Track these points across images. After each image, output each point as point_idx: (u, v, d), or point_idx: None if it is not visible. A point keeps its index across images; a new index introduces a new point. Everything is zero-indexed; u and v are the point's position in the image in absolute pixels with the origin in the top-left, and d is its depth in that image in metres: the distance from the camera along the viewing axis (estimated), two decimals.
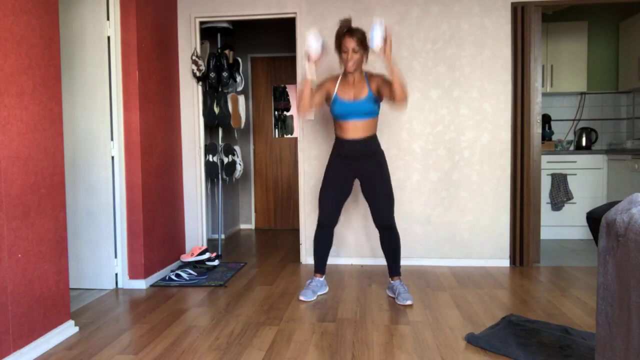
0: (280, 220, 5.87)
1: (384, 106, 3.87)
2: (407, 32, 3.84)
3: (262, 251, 4.55)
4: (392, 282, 3.10)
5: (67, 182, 3.27)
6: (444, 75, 3.83)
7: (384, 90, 2.88)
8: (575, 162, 4.81)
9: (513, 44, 3.78)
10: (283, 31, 5.67)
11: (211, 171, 4.26)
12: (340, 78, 3.02)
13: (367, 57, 2.99)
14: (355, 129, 2.98)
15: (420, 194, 3.89)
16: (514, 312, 2.77)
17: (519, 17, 3.73)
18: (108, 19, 3.22)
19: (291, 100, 5.83)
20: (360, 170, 3.04)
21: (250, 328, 2.57)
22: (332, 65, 3.90)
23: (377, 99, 2.95)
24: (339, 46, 2.94)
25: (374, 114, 2.98)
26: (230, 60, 4.26)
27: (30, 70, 2.29)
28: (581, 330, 2.44)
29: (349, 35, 2.88)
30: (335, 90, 2.98)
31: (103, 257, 3.30)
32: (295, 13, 3.91)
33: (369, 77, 2.99)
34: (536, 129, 3.79)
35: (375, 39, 2.71)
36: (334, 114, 3.01)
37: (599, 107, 5.23)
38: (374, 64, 3.87)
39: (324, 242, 3.12)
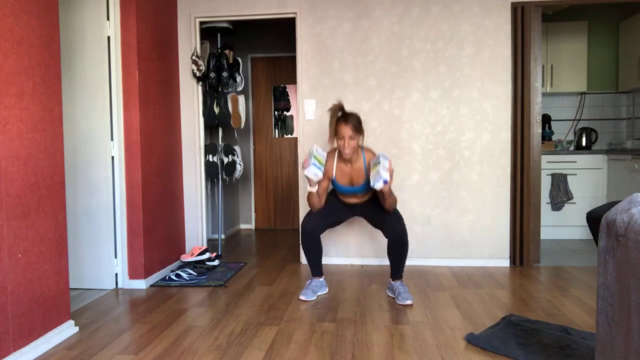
0: (280, 220, 5.87)
1: (384, 105, 3.87)
2: (407, 32, 3.84)
3: (262, 251, 4.55)
4: (392, 282, 3.10)
5: (67, 182, 3.27)
6: (444, 75, 3.83)
7: (377, 192, 2.92)
8: (575, 162, 4.81)
9: (513, 44, 3.78)
10: (283, 31, 5.67)
11: (211, 171, 4.26)
12: (337, 157, 3.02)
13: (362, 141, 2.98)
14: (354, 198, 3.10)
15: (420, 194, 3.89)
16: (514, 312, 2.77)
17: (519, 17, 3.73)
18: (108, 19, 3.22)
19: (291, 100, 5.83)
20: (360, 212, 3.16)
21: (250, 328, 2.57)
22: (332, 65, 3.90)
23: None
24: (335, 132, 2.91)
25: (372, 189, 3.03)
26: (230, 60, 4.26)
27: (30, 70, 2.29)
28: (581, 330, 2.44)
29: (344, 123, 2.86)
30: (334, 174, 3.01)
31: (103, 257, 3.30)
32: (295, 13, 3.91)
33: (367, 159, 2.98)
34: (536, 129, 3.79)
35: (378, 185, 2.73)
36: (334, 188, 3.11)
37: (599, 107, 5.23)
38: (375, 64, 3.88)
39: (312, 249, 3.10)
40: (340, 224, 3.24)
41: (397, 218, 3.01)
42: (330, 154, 3.04)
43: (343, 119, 2.89)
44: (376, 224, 3.12)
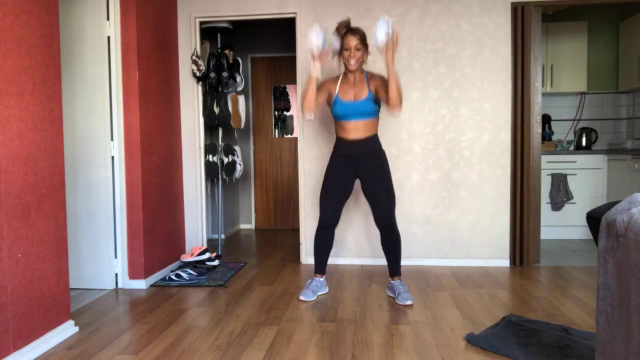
0: (280, 220, 5.87)
1: (382, 108, 3.87)
2: (407, 32, 3.84)
3: (262, 251, 4.55)
4: (392, 281, 3.10)
5: (67, 182, 3.27)
6: (444, 75, 3.83)
7: (381, 93, 2.92)
8: (575, 162, 4.81)
9: (513, 44, 3.78)
10: (283, 31, 5.67)
11: (211, 171, 4.26)
12: (340, 79, 3.05)
13: (366, 58, 3.02)
14: (356, 129, 3.00)
15: (420, 194, 3.89)
16: (514, 312, 2.77)
17: (519, 17, 3.73)
18: (108, 19, 3.22)
19: (291, 100, 5.83)
20: (360, 170, 3.05)
21: (250, 328, 2.57)
22: (332, 66, 3.90)
23: (376, 99, 2.97)
24: (340, 45, 2.97)
25: (374, 114, 3.00)
26: (230, 60, 4.26)
27: (30, 70, 2.29)
28: (581, 330, 2.44)
29: (351, 34, 2.92)
30: (336, 91, 3.01)
31: (103, 257, 3.30)
32: (295, 13, 3.92)
33: (369, 77, 3.01)
34: (536, 129, 3.79)
35: (379, 35, 2.74)
36: (335, 114, 3.02)
37: (599, 107, 5.23)
38: (375, 64, 3.87)
39: (324, 242, 3.12)
40: (349, 196, 3.15)
41: (389, 201, 3.00)
42: (331, 81, 3.06)
43: (350, 31, 2.93)
44: (369, 196, 3.04)
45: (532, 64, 3.74)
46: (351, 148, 3.02)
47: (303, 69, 3.93)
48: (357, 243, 3.97)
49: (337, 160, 3.09)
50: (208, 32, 4.46)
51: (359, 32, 2.94)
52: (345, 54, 2.94)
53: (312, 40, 2.81)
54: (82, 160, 3.26)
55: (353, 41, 2.91)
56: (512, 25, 3.77)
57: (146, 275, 3.39)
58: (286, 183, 5.84)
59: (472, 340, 2.33)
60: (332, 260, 3.98)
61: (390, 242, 3.05)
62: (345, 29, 2.97)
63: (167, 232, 3.72)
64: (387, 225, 3.02)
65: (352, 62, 2.93)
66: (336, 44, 2.96)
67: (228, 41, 5.69)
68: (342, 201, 3.10)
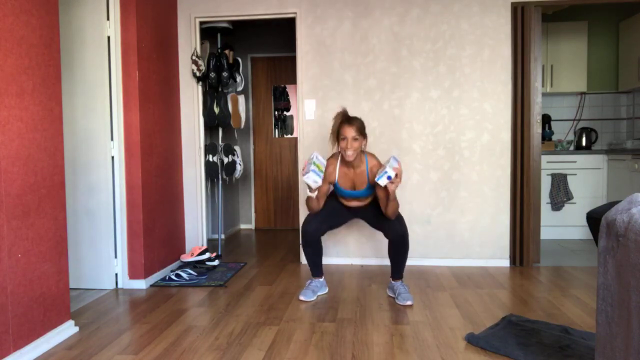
0: (280, 220, 5.87)
1: (384, 105, 3.88)
2: (407, 32, 3.84)
3: (262, 251, 4.55)
4: (392, 282, 3.10)
5: (67, 182, 3.27)
6: (444, 75, 3.83)
7: (378, 192, 2.92)
8: (575, 162, 4.81)
9: (513, 44, 3.78)
10: (283, 31, 5.67)
11: (211, 171, 4.26)
12: (339, 161, 3.01)
13: (365, 145, 2.98)
14: (356, 202, 3.11)
15: (420, 194, 3.89)
16: (514, 312, 2.77)
17: (519, 17, 3.73)
18: (108, 19, 3.22)
19: (291, 100, 5.83)
20: (360, 215, 3.17)
21: (250, 328, 2.57)
22: (332, 65, 3.90)
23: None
24: (337, 133, 2.93)
25: (374, 192, 3.04)
26: (230, 60, 4.26)
27: (30, 70, 2.29)
28: (581, 330, 2.44)
29: (347, 124, 2.88)
30: (336, 178, 3.02)
31: (103, 257, 3.30)
32: (295, 13, 3.92)
33: (370, 165, 2.98)
34: (536, 129, 3.79)
35: (381, 181, 2.73)
36: (336, 192, 3.11)
37: (599, 107, 5.23)
38: (375, 64, 3.88)
39: (313, 250, 3.10)
40: (342, 226, 3.24)
41: (398, 218, 3.01)
42: (332, 158, 3.04)
43: (347, 121, 2.90)
44: (377, 226, 3.12)
45: (532, 64, 3.74)
46: (351, 209, 3.15)
47: (303, 69, 3.93)
48: (357, 243, 3.97)
49: (338, 202, 3.16)
50: (208, 32, 4.46)
51: (356, 123, 2.88)
52: (342, 144, 2.89)
53: (311, 182, 2.82)
54: (82, 160, 3.26)
55: (350, 132, 2.85)
56: (512, 25, 3.77)
57: (146, 275, 3.39)
58: (286, 183, 5.84)
59: (472, 340, 2.33)
60: (332, 260, 3.98)
61: (399, 250, 3.02)
62: (342, 118, 2.93)
63: (167, 232, 3.72)
64: (400, 234, 2.98)
65: (349, 152, 2.87)
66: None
67: (228, 41, 5.70)
68: (329, 222, 3.12)
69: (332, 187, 3.12)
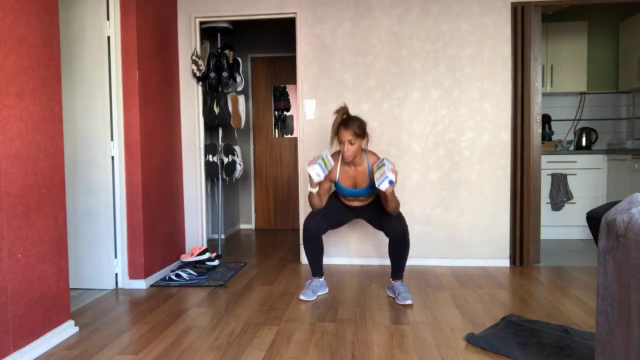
0: (280, 220, 5.87)
1: (384, 105, 3.88)
2: (407, 32, 3.84)
3: (262, 251, 4.55)
4: (392, 282, 3.10)
5: (67, 182, 3.27)
6: (444, 75, 3.83)
7: (380, 193, 2.91)
8: (575, 162, 4.81)
9: (513, 44, 3.78)
10: (283, 31, 5.67)
11: (211, 171, 4.26)
12: (340, 160, 3.02)
13: (366, 144, 2.97)
14: (357, 200, 3.11)
15: (420, 194, 3.89)
16: (514, 312, 2.77)
17: (519, 17, 3.73)
18: (108, 19, 3.22)
19: (291, 100, 5.83)
20: (362, 215, 3.16)
21: (250, 328, 2.57)
22: (332, 65, 3.90)
23: None
24: (337, 135, 2.92)
25: (375, 191, 3.05)
26: (230, 60, 4.26)
27: (30, 70, 2.29)
28: (581, 330, 2.44)
29: (344, 128, 2.87)
30: (337, 177, 3.02)
31: (103, 257, 3.30)
32: (295, 13, 3.91)
33: (371, 162, 2.97)
34: (536, 129, 3.79)
35: (383, 187, 2.73)
36: (337, 190, 3.11)
37: (599, 107, 5.23)
38: (375, 65, 3.87)
39: (314, 247, 3.10)
40: (342, 225, 3.24)
41: (399, 218, 3.01)
42: (334, 156, 3.06)
43: (344, 124, 2.89)
44: (378, 226, 3.13)
45: (532, 64, 3.74)
46: (352, 207, 3.15)
47: (303, 69, 3.93)
48: (357, 243, 3.97)
49: (339, 201, 3.17)
50: (208, 32, 4.46)
51: (352, 126, 2.86)
52: (340, 146, 2.91)
53: (314, 175, 2.82)
54: (82, 160, 3.26)
55: (347, 136, 2.85)
56: (512, 25, 3.77)
57: (146, 275, 3.39)
58: (286, 183, 5.84)
59: (472, 340, 2.33)
60: (332, 260, 3.98)
61: (400, 249, 3.03)
62: (341, 120, 2.91)
63: (167, 232, 3.72)
64: (400, 233, 2.99)
65: (347, 155, 2.89)
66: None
67: (228, 41, 5.69)
68: (330, 220, 3.12)
69: (333, 187, 3.12)
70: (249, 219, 5.89)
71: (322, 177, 2.84)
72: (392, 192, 2.81)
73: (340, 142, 2.90)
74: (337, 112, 2.97)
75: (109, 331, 2.56)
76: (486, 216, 3.85)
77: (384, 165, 2.79)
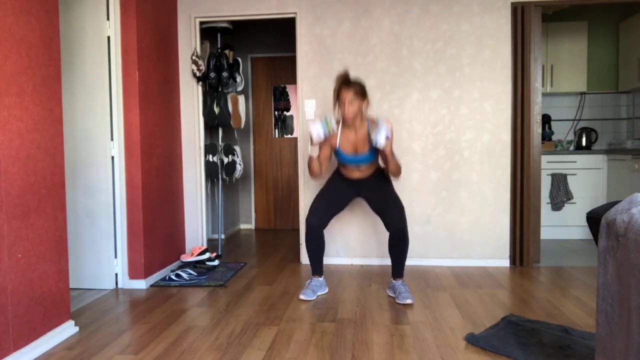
0: (280, 220, 5.87)
1: (384, 105, 3.88)
2: (407, 32, 3.84)
3: (262, 251, 4.55)
4: (393, 281, 3.11)
5: (67, 182, 3.27)
6: (444, 75, 3.83)
7: (380, 154, 2.94)
8: (575, 162, 4.81)
9: (513, 44, 3.78)
10: (283, 31, 5.67)
11: (211, 171, 4.26)
12: (341, 125, 3.02)
13: (366, 109, 2.99)
14: (358, 170, 3.09)
15: (420, 194, 3.89)
16: (514, 312, 2.77)
17: (519, 17, 3.73)
18: (108, 19, 3.22)
19: (291, 100, 5.83)
20: (364, 193, 3.13)
21: (250, 328, 2.57)
22: (332, 65, 3.90)
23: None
24: (338, 97, 2.95)
25: (376, 158, 3.05)
26: (230, 60, 4.26)
27: (30, 70, 2.29)
28: (581, 330, 2.44)
29: (345, 88, 2.91)
30: (337, 143, 3.02)
31: (103, 257, 3.30)
32: (295, 13, 3.91)
33: (371, 127, 2.97)
34: (536, 129, 3.79)
35: (380, 140, 2.75)
36: (337, 159, 3.09)
37: (599, 107, 5.23)
38: (375, 65, 3.87)
39: (316, 244, 3.10)
40: (344, 209, 3.21)
41: (399, 208, 3.03)
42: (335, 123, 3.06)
43: (345, 84, 2.93)
44: (378, 210, 3.10)
45: (532, 64, 3.74)
46: (353, 182, 3.13)
47: (303, 69, 3.93)
48: (357, 243, 3.97)
49: (340, 180, 3.15)
50: (208, 32, 4.46)
51: (354, 86, 2.90)
52: (342, 106, 2.93)
53: (314, 134, 2.82)
54: (82, 160, 3.26)
55: (348, 95, 2.88)
56: (512, 25, 3.77)
57: (146, 275, 3.39)
58: (286, 183, 5.84)
59: (472, 340, 2.33)
60: (332, 260, 3.98)
61: (399, 245, 3.04)
62: (341, 81, 2.94)
63: (167, 232, 3.72)
64: (399, 228, 3.00)
65: (348, 114, 2.90)
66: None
67: (228, 41, 5.69)
68: (332, 208, 3.12)
69: (332, 154, 3.11)
70: (249, 219, 5.89)
71: (322, 137, 2.85)
72: (392, 152, 2.84)
73: (341, 103, 2.92)
74: (337, 77, 2.98)
75: (109, 331, 2.56)
76: (486, 216, 3.85)
77: (379, 122, 2.82)
